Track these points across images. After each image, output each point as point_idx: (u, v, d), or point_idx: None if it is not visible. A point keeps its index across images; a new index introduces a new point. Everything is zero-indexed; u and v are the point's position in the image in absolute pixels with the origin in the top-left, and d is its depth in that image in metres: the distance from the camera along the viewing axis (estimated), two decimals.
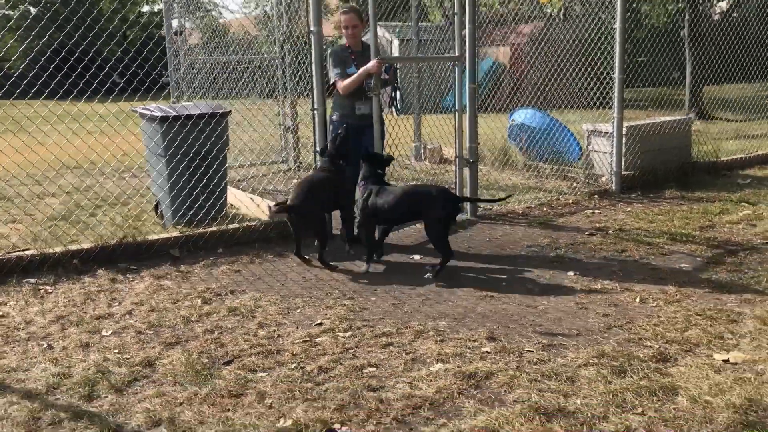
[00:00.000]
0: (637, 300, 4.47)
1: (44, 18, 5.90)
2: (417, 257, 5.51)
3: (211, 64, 9.10)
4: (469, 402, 3.18)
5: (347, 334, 3.99)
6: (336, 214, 5.99)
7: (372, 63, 5.60)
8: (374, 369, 3.54)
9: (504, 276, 5.08)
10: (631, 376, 3.38)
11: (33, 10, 22.86)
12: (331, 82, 5.77)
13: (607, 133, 7.88)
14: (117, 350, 3.84)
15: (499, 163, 8.90)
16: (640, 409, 3.07)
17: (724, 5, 19.36)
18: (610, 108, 7.79)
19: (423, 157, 9.66)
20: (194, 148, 6.01)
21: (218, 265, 5.38)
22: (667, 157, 8.30)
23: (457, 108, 6.62)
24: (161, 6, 30.05)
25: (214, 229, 5.90)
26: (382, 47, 16.88)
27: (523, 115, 9.02)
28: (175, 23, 8.95)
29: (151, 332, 4.11)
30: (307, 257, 5.41)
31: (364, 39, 6.04)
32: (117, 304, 4.59)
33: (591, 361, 3.54)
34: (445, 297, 4.63)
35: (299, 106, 8.88)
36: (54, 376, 3.52)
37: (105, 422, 3.07)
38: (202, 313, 4.38)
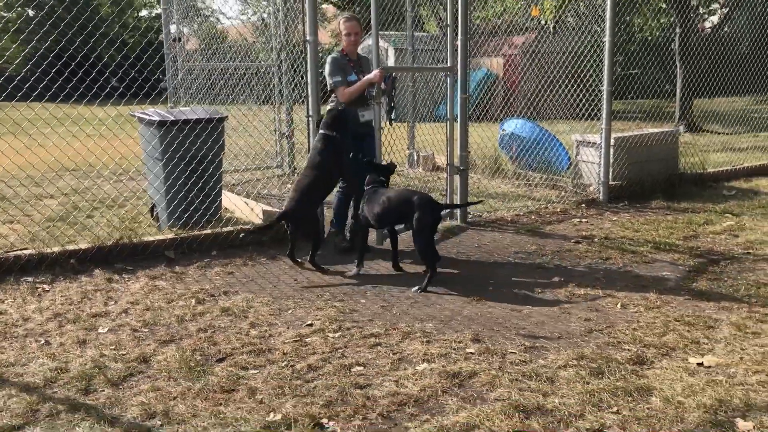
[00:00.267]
0: (619, 306, 4.61)
1: (44, 22, 6.03)
2: (407, 261, 5.64)
3: (209, 70, 9.23)
4: (452, 399, 3.31)
5: (336, 335, 4.11)
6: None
7: (375, 72, 5.74)
8: (362, 368, 3.67)
9: (491, 281, 5.21)
10: (609, 378, 3.51)
11: (31, 13, 22.98)
12: (330, 88, 5.83)
13: (596, 143, 8.04)
14: (113, 347, 3.96)
15: (490, 172, 9.06)
16: (615, 408, 3.21)
17: (715, 19, 19.66)
18: (599, 119, 7.96)
19: (416, 165, 9.81)
20: (191, 152, 6.14)
21: (212, 266, 5.50)
22: (655, 168, 8.47)
23: (449, 117, 6.77)
24: (159, 11, 30.09)
25: (208, 231, 6.02)
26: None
27: (513, 125, 9.19)
28: (173, 29, 9.07)
29: (147, 330, 4.23)
30: (299, 260, 5.54)
31: (359, 47, 6.18)
32: (113, 302, 4.71)
33: (570, 362, 3.68)
34: (432, 300, 4.77)
35: (295, 112, 9.03)
36: (51, 370, 3.63)
37: (101, 414, 3.19)
38: (195, 313, 4.50)
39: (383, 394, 3.36)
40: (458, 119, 6.79)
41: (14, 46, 6.86)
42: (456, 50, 6.67)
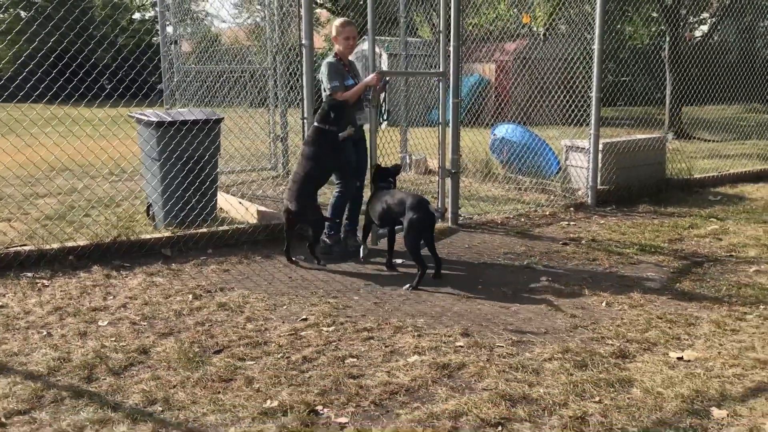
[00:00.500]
0: (604, 304, 4.77)
1: (38, 23, 6.15)
2: (399, 261, 5.77)
3: (206, 73, 9.35)
4: (441, 389, 3.45)
5: (330, 329, 4.25)
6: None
7: (372, 76, 5.87)
8: (355, 359, 3.81)
9: (480, 280, 5.36)
10: (592, 370, 3.66)
11: (23, 14, 23.06)
12: (329, 93, 5.80)
13: (585, 148, 8.22)
14: (113, 338, 4.08)
15: (481, 175, 9.22)
16: (597, 398, 3.36)
17: (705, 28, 19.94)
18: (588, 125, 8.13)
19: (409, 168, 9.96)
20: (188, 153, 6.26)
21: (208, 264, 5.62)
22: (642, 174, 8.65)
23: (440, 121, 6.92)
24: (152, 14, 30.00)
25: (204, 230, 6.14)
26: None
27: (504, 130, 9.36)
28: (169, 30, 9.17)
29: (145, 323, 4.35)
30: (294, 259, 5.67)
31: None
32: (112, 297, 4.83)
33: (556, 355, 3.83)
34: (423, 298, 4.91)
35: (289, 115, 9.16)
36: (54, 360, 3.75)
37: (104, 401, 3.31)
38: (193, 308, 4.62)
39: (376, 383, 3.50)
40: (450, 123, 6.94)
41: (14, 46, 6.97)
42: (448, 56, 6.83)
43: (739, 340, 4.12)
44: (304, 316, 4.47)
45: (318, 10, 26.38)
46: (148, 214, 6.82)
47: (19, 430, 3.05)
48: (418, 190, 8.72)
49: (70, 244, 5.66)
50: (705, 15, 19.98)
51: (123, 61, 6.56)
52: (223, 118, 6.77)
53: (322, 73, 5.88)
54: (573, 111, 8.55)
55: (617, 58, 19.78)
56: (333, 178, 5.98)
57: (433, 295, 4.97)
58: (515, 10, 14.19)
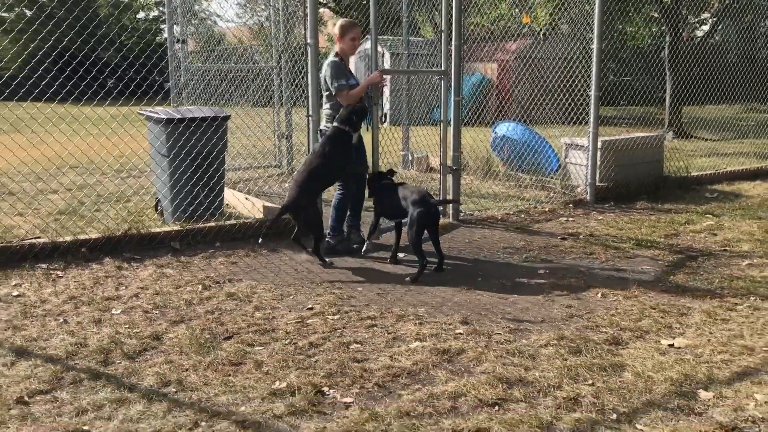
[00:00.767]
0: (599, 295, 4.93)
1: (43, 22, 6.33)
2: (402, 255, 5.94)
3: (213, 71, 9.53)
4: (441, 372, 3.62)
5: (336, 317, 4.42)
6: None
7: (375, 74, 6.02)
8: (359, 345, 3.98)
9: (480, 272, 5.52)
10: (586, 355, 3.83)
11: (29, 13, 23.25)
12: (334, 92, 5.87)
13: (584, 146, 8.37)
14: (127, 325, 4.25)
15: (482, 173, 9.38)
16: (590, 381, 3.52)
17: (706, 28, 20.08)
18: (587, 123, 8.28)
19: (411, 166, 10.12)
20: (196, 149, 6.43)
21: (216, 257, 5.80)
22: (640, 171, 8.81)
23: (442, 119, 7.09)
24: (156, 13, 30.09)
25: (212, 224, 6.32)
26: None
27: (505, 128, 9.52)
28: (177, 29, 9.32)
29: (157, 312, 4.53)
30: (303, 245, 5.77)
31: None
32: (124, 287, 5.00)
33: (551, 342, 4.00)
34: (425, 289, 5.08)
35: (294, 113, 9.34)
36: (71, 345, 3.93)
37: (121, 382, 3.48)
38: (202, 297, 4.80)
39: (379, 367, 3.67)
40: (451, 121, 7.11)
41: (20, 45, 7.16)
42: (450, 55, 6.99)
43: (728, 328, 4.28)
44: (310, 305, 4.64)
45: (321, 10, 26.55)
46: (156, 209, 6.99)
47: (42, 408, 3.22)
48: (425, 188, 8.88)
49: (82, 236, 5.83)
50: (705, 15, 20.14)
51: (123, 60, 6.73)
52: (229, 116, 6.94)
53: (326, 73, 5.93)
54: (573, 109, 8.70)
55: (618, 58, 19.94)
56: None
57: (434, 286, 5.14)
58: (516, 9, 14.36)
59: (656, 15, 18.42)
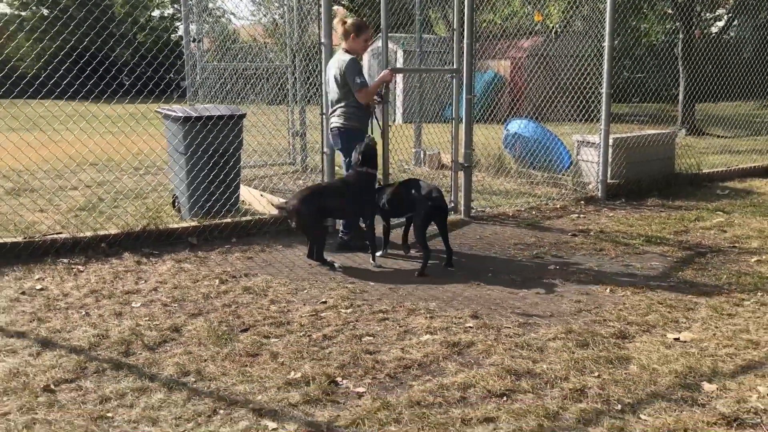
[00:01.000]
0: (608, 290, 5.01)
1: (62, 22, 6.48)
2: (413, 251, 6.04)
3: (230, 70, 9.67)
4: (451, 364, 3.73)
5: (348, 310, 4.54)
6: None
7: (386, 72, 6.11)
8: (371, 338, 4.10)
9: (491, 268, 5.62)
10: (593, 348, 3.92)
11: (46, 12, 23.56)
12: (356, 89, 5.83)
13: (596, 143, 8.43)
14: (147, 318, 4.39)
15: (494, 170, 9.46)
16: (596, 373, 3.62)
17: (721, 24, 19.99)
18: (599, 121, 8.34)
19: (423, 163, 10.22)
20: (212, 147, 6.57)
21: (232, 252, 5.93)
22: (652, 168, 8.86)
23: (453, 116, 7.18)
24: (171, 11, 30.20)
25: (228, 220, 6.45)
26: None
27: (517, 125, 9.59)
28: (193, 28, 9.45)
29: (176, 305, 4.66)
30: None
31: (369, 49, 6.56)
32: (143, 282, 5.14)
33: (559, 336, 4.09)
34: (436, 284, 5.18)
35: (308, 111, 9.47)
36: (94, 336, 4.07)
37: (142, 372, 3.62)
38: (220, 291, 4.93)
39: (390, 359, 3.78)
40: (463, 119, 7.20)
41: (38, 45, 7.32)
42: (462, 53, 7.08)
43: (734, 323, 4.35)
44: (323, 299, 4.76)
45: (335, 8, 26.66)
46: (173, 206, 7.14)
47: (68, 396, 3.37)
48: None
49: (102, 232, 5.98)
50: (720, 11, 20.05)
51: (141, 59, 6.88)
52: (245, 114, 7.07)
53: (345, 70, 5.83)
54: (585, 107, 8.76)
55: (632, 55, 19.90)
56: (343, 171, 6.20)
57: (444, 281, 5.25)
58: (529, 6, 14.40)
59: (670, 11, 18.39)
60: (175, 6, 30.65)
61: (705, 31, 18.49)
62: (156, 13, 33.23)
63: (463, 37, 7.03)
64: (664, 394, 3.39)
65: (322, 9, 6.32)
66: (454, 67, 7.14)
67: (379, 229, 5.91)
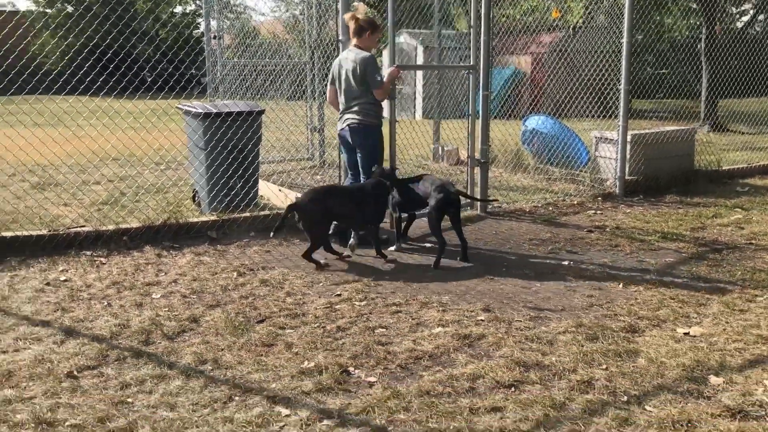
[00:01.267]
0: (620, 285, 5.05)
1: (85, 19, 6.63)
2: (428, 245, 6.12)
3: (250, 66, 9.80)
4: (462, 356, 3.80)
5: (362, 303, 4.63)
6: None
7: (393, 69, 6.18)
8: (384, 330, 4.18)
9: (504, 263, 5.68)
10: (602, 342, 3.97)
11: (70, 9, 23.91)
12: (376, 86, 5.84)
13: (614, 140, 8.43)
14: (166, 309, 4.52)
15: (512, 166, 9.49)
16: (604, 366, 3.67)
17: (746, 19, 19.76)
18: (617, 117, 8.33)
19: (441, 159, 10.28)
20: (232, 142, 6.70)
21: (250, 246, 6.05)
22: (670, 165, 8.83)
23: (470, 112, 7.24)
24: (192, 7, 30.35)
25: (247, 214, 6.57)
26: (407, 53, 17.54)
27: (535, 121, 9.61)
28: (214, 24, 9.57)
29: (195, 296, 4.79)
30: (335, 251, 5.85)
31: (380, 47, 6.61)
32: (163, 274, 5.28)
33: (570, 329, 4.15)
34: (449, 278, 5.26)
35: (326, 107, 9.56)
36: (115, 326, 4.20)
37: (161, 360, 3.74)
38: (237, 283, 5.05)
39: (402, 350, 3.87)
40: (480, 115, 7.25)
41: (63, 42, 7.49)
42: (479, 49, 7.12)
43: (745, 318, 4.38)
44: (338, 292, 4.86)
45: (355, 3, 26.72)
46: (194, 201, 7.28)
47: (90, 382, 3.50)
48: (449, 180, 9.03)
49: (123, 226, 6.13)
50: (746, 6, 19.81)
51: (162, 56, 7.02)
52: (264, 110, 7.18)
53: (367, 68, 5.83)
54: (605, 103, 8.75)
55: (656, 51, 19.74)
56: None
57: (458, 275, 5.32)
58: (550, 1, 14.37)
59: (694, 6, 18.21)
60: (197, 2, 30.89)
61: (728, 26, 18.30)
62: (178, 9, 33.57)
63: (480, 34, 7.08)
64: (671, 387, 3.44)
65: (339, 5, 6.40)
66: (472, 63, 7.19)
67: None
